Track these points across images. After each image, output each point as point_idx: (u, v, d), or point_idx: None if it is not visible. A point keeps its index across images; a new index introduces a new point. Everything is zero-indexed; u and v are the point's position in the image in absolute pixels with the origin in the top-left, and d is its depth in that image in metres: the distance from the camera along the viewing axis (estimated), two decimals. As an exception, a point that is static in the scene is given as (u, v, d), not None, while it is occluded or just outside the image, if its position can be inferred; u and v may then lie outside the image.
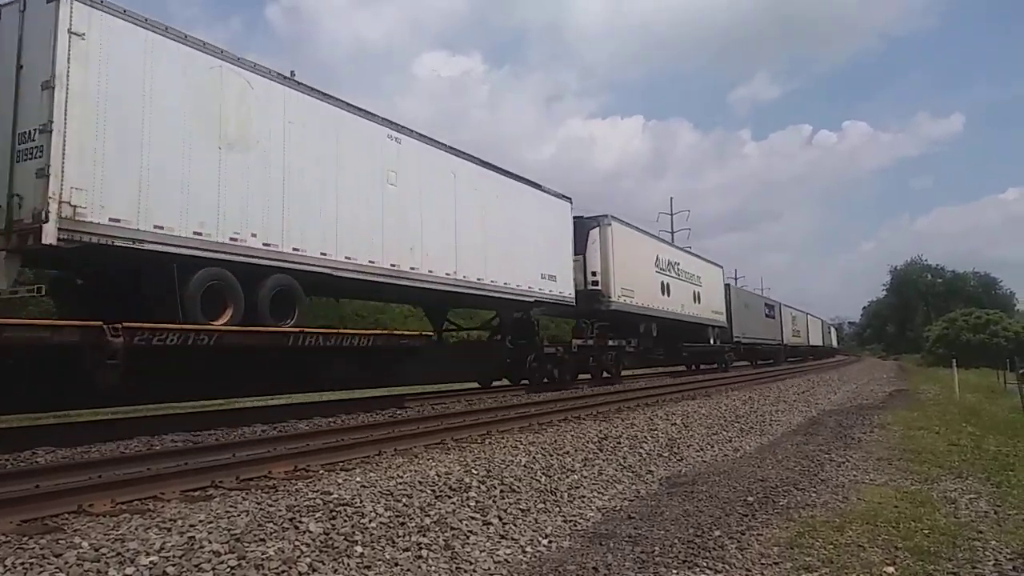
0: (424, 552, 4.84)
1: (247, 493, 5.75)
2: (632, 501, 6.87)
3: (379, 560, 4.59)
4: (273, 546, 4.39)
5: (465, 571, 4.79)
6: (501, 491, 6.43)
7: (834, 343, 79.94)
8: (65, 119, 8.14)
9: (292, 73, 11.53)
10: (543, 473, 7.25)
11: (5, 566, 3.86)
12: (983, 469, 8.56)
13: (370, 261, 12.32)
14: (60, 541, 4.27)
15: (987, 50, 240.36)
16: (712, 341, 32.02)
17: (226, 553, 4.20)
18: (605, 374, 21.14)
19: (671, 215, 61.21)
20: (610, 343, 21.09)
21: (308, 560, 4.34)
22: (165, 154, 9.22)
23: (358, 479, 6.30)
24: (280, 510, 5.03)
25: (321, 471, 6.85)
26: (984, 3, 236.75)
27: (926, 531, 5.72)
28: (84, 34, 8.35)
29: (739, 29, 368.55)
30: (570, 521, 6.03)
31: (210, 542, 4.30)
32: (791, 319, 52.12)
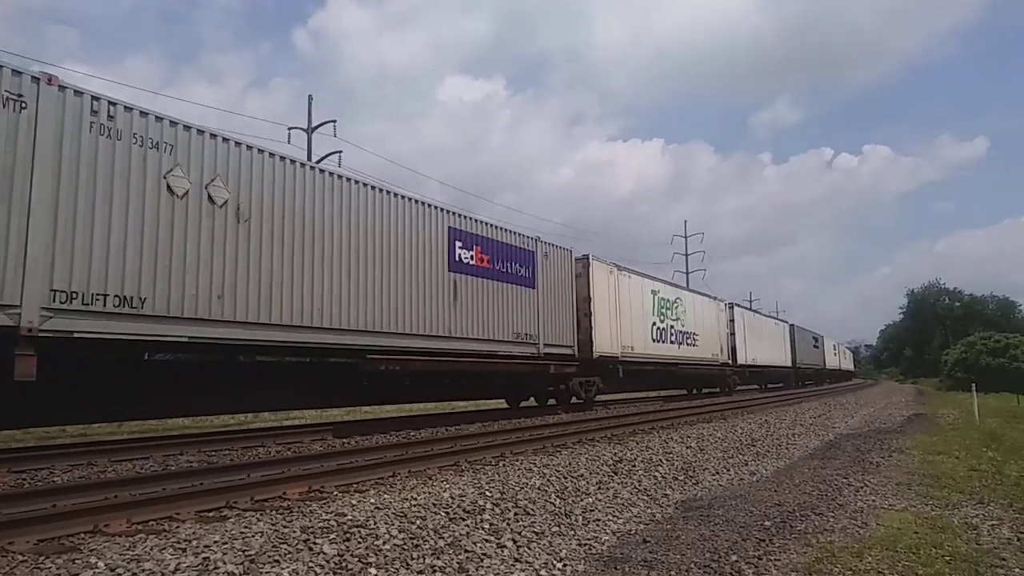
0: (438, 575, 4.81)
1: (262, 514, 5.76)
2: (647, 525, 6.80)
3: (393, 582, 4.57)
4: (287, 568, 4.39)
5: (479, 594, 4.75)
6: (515, 514, 6.39)
7: (849, 366, 79.19)
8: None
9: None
10: (557, 496, 7.21)
11: (22, 585, 3.88)
12: (1005, 495, 8.41)
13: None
14: (76, 561, 4.29)
15: (1010, 77, 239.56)
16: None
17: (241, 574, 4.21)
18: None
19: (685, 237, 61.20)
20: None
21: (322, 582, 4.33)
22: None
23: (372, 501, 6.29)
24: (295, 531, 5.04)
25: (335, 492, 6.85)
26: (1008, 32, 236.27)
27: (947, 558, 5.62)
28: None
29: (761, 54, 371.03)
30: (585, 544, 5.97)
31: (225, 563, 4.30)
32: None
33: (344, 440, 11.64)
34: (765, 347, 38.85)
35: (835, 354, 57.27)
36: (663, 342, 24.94)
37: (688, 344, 27.28)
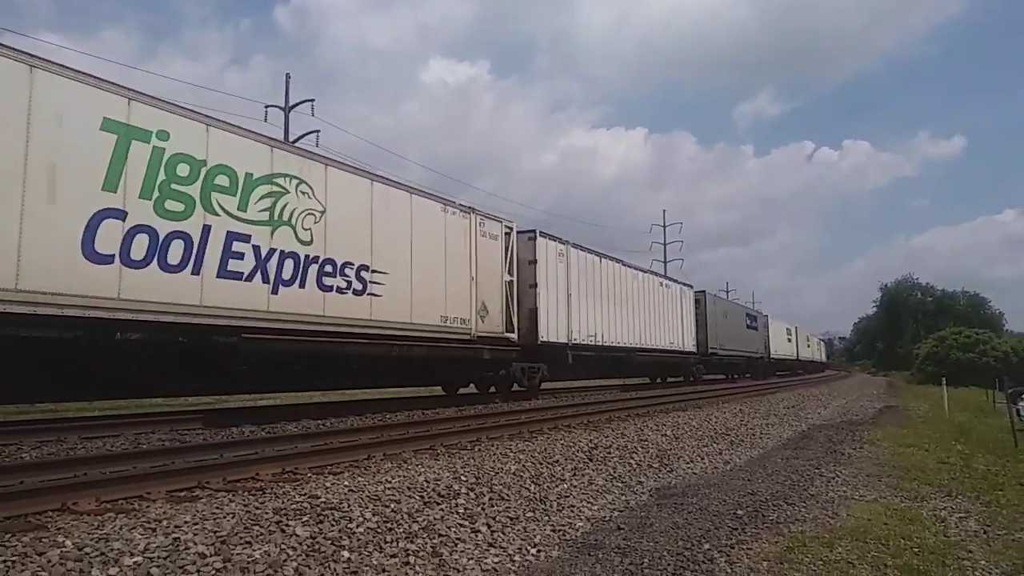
0: (411, 559, 4.79)
1: (234, 495, 5.70)
2: (621, 512, 6.83)
3: (366, 566, 4.54)
4: (259, 549, 4.34)
5: (452, 579, 4.74)
6: (490, 498, 6.39)
7: (822, 358, 79.66)
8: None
9: None
10: (532, 481, 7.22)
11: (-14, 563, 3.81)
12: (972, 488, 8.56)
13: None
14: (43, 539, 4.21)
15: (988, 75, 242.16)
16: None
17: (212, 555, 4.16)
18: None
19: (664, 226, 61.44)
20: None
21: (294, 564, 4.29)
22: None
23: (346, 483, 6.25)
24: (267, 513, 4.99)
25: (309, 474, 6.80)
26: (988, 32, 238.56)
27: (915, 549, 5.70)
28: None
29: (744, 46, 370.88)
30: (559, 530, 5.99)
31: (195, 544, 4.25)
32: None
33: (319, 422, 11.57)
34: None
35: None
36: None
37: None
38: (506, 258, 17.34)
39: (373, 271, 12.97)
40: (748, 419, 15.23)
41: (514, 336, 17.26)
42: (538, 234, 18.71)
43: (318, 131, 29.61)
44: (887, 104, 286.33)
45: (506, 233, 17.54)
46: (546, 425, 11.52)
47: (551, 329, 18.78)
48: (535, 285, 18.28)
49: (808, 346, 66.86)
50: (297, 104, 29.49)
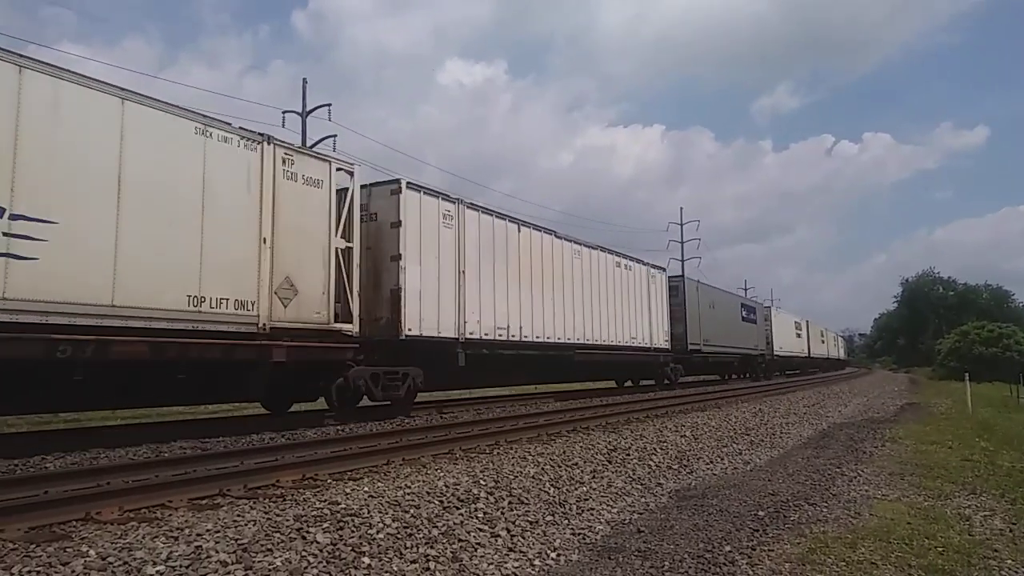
0: (431, 564, 4.79)
1: (255, 502, 5.74)
2: (642, 514, 6.81)
3: (386, 572, 4.55)
4: (280, 556, 4.37)
5: (473, 584, 4.75)
6: (509, 502, 6.39)
7: (841, 355, 77.83)
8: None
9: None
10: (552, 485, 7.21)
11: (12, 574, 3.85)
12: (997, 485, 8.45)
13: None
14: (67, 549, 4.26)
15: (1011, 63, 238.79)
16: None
17: (233, 563, 4.18)
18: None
19: (681, 224, 61.12)
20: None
21: (315, 571, 4.31)
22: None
23: (366, 489, 6.28)
24: (288, 520, 5.02)
25: (329, 480, 6.83)
26: (1010, 19, 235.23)
27: (940, 548, 5.64)
28: None
29: (763, 40, 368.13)
30: (579, 534, 5.98)
31: (217, 552, 4.28)
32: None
33: (339, 427, 11.61)
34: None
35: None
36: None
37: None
38: (337, 214, 12.18)
39: (16, 217, 7.90)
40: (768, 418, 15.13)
41: (351, 328, 12.25)
42: (404, 186, 13.59)
43: (335, 135, 29.71)
44: (908, 95, 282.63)
45: (340, 176, 12.44)
46: (564, 428, 11.51)
47: (426, 319, 13.77)
48: (399, 257, 13.29)
49: (823, 342, 63.58)
50: (314, 109, 29.61)
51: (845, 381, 40.73)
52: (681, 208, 78.71)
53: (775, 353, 42.94)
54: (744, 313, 37.97)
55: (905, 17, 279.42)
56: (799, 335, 52.73)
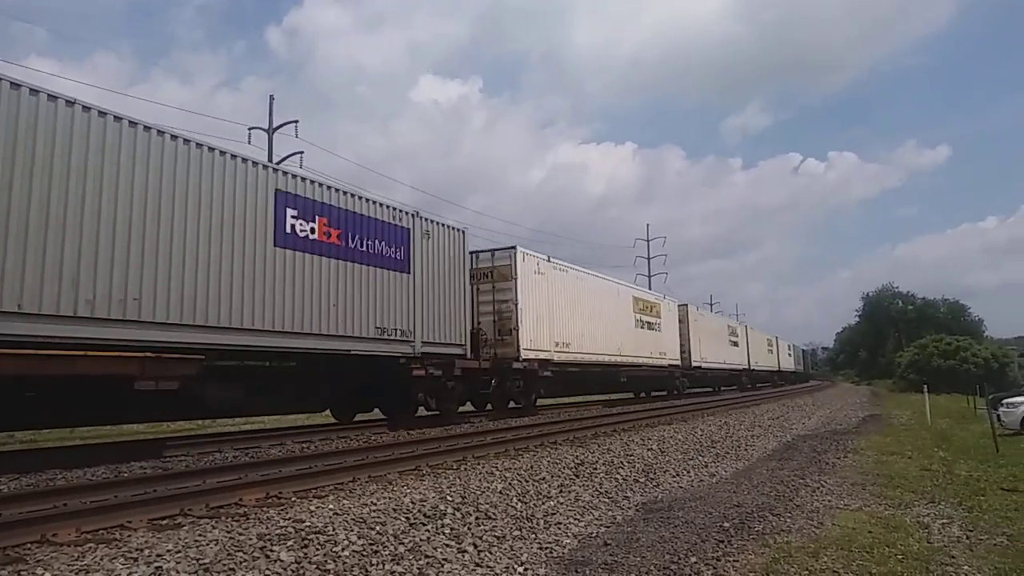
0: (398, 581, 4.76)
1: (217, 521, 5.65)
2: (608, 527, 6.82)
3: (352, 589, 4.51)
4: (243, 575, 4.31)
5: (439, 600, 4.72)
6: (476, 518, 6.37)
7: (805, 368, 79.48)
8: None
9: None
10: (519, 499, 7.20)
11: (-37, 598, 3.75)
12: (955, 494, 8.63)
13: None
14: (22, 572, 4.16)
15: (973, 84, 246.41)
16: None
17: (194, 583, 4.11)
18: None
19: (648, 241, 61.76)
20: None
21: (279, 590, 4.25)
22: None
23: (331, 506, 6.21)
24: (251, 539, 4.95)
25: (293, 498, 6.75)
26: (974, 43, 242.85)
27: (900, 556, 5.74)
28: None
29: (735, 60, 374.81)
30: (546, 548, 5.97)
31: (178, 572, 4.21)
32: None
33: (303, 444, 11.47)
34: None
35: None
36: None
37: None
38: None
39: None
40: (733, 431, 15.28)
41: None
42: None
43: (302, 152, 29.54)
44: (874, 115, 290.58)
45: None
46: (532, 443, 11.51)
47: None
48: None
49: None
50: (281, 126, 29.47)
51: (808, 394, 41.24)
52: (648, 224, 79.52)
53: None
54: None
55: (873, 40, 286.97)
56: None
